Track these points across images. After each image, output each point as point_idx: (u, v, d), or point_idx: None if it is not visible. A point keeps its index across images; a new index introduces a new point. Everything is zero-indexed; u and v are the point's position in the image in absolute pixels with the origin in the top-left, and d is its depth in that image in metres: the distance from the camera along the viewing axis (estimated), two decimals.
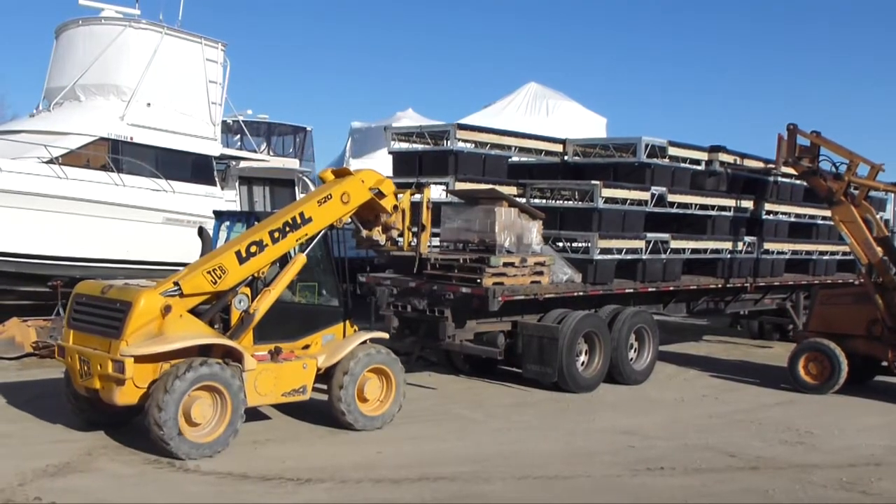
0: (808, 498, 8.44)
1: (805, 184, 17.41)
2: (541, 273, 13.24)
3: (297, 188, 22.33)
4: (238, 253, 9.45)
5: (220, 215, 11.57)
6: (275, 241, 9.67)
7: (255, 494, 7.98)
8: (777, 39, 77.26)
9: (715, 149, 16.35)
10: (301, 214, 9.96)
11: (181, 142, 19.09)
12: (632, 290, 14.66)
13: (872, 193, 15.43)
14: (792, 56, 77.21)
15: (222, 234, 10.95)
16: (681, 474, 9.11)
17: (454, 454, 9.58)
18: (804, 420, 11.94)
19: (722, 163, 16.41)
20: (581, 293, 13.79)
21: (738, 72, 78.14)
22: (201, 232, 10.65)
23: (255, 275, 9.63)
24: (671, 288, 15.43)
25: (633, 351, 14.24)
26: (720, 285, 16.43)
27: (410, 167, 14.55)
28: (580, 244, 14.31)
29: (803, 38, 76.58)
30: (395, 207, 10.92)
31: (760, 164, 17.17)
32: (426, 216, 11.30)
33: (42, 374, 13.02)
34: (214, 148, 19.91)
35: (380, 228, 10.98)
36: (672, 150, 15.30)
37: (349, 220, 10.75)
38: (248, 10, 78.15)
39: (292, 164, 23.19)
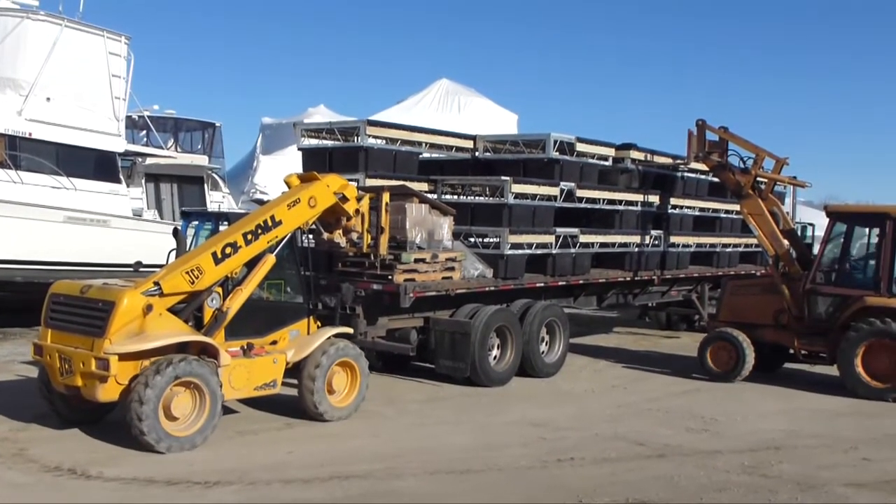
0: (711, 483, 8.66)
1: (710, 179, 17.95)
2: (452, 269, 13.27)
3: (206, 185, 21.93)
4: (214, 254, 9.75)
5: (187, 216, 12.17)
6: (248, 242, 10.03)
7: (162, 498, 7.79)
8: (690, 36, 79.40)
9: (625, 147, 16.68)
10: (272, 217, 10.31)
11: (83, 138, 18.51)
12: (542, 285, 14.82)
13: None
14: (703, 51, 79.51)
15: (189, 234, 11.49)
16: (591, 464, 9.26)
17: (366, 451, 9.52)
18: (709, 408, 12.28)
19: (633, 160, 16.75)
20: (492, 288, 13.87)
21: (651, 68, 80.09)
22: (176, 233, 11.02)
23: (228, 275, 9.90)
24: (581, 281, 15.65)
25: (544, 344, 14.41)
26: (628, 278, 16.73)
27: (320, 163, 14.35)
28: (491, 239, 14.41)
29: (715, 34, 78.93)
30: (357, 211, 11.51)
31: (670, 161, 17.58)
32: (385, 219, 12.01)
33: None
34: (118, 144, 19.38)
35: (341, 231, 11.59)
36: (580, 147, 15.53)
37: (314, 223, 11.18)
38: (154, 3, 76.47)
39: (201, 160, 22.79)
